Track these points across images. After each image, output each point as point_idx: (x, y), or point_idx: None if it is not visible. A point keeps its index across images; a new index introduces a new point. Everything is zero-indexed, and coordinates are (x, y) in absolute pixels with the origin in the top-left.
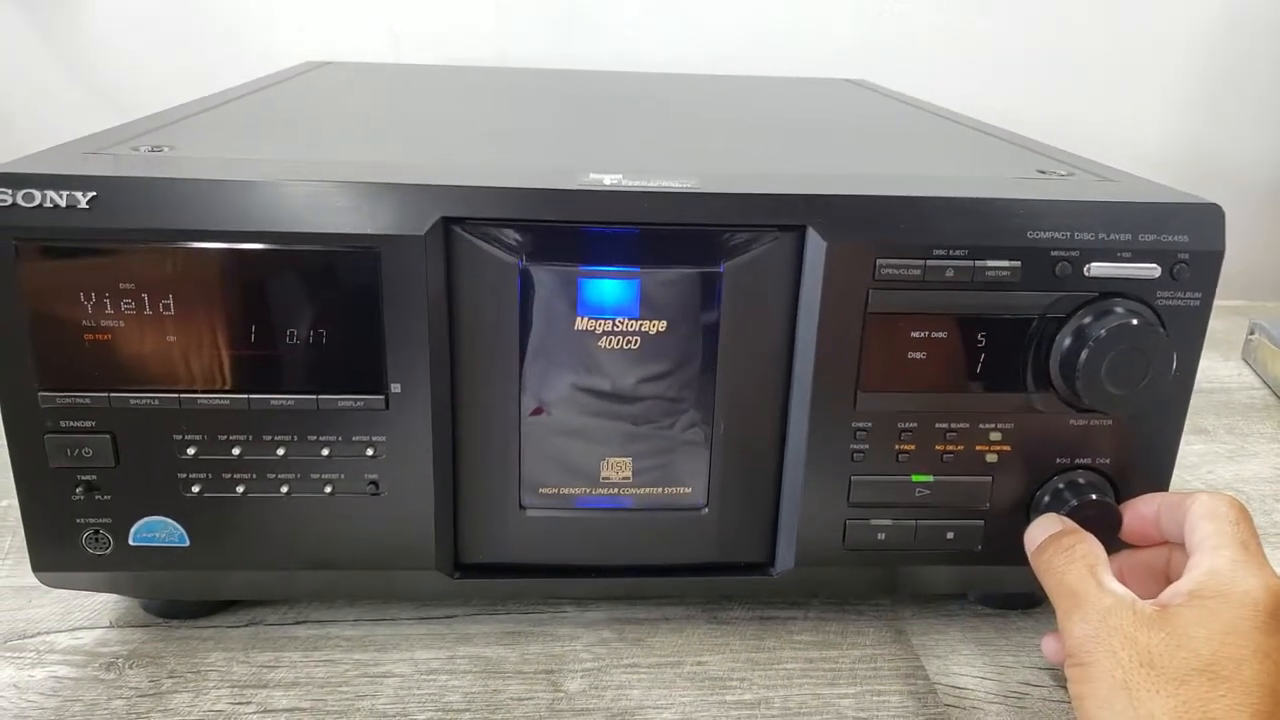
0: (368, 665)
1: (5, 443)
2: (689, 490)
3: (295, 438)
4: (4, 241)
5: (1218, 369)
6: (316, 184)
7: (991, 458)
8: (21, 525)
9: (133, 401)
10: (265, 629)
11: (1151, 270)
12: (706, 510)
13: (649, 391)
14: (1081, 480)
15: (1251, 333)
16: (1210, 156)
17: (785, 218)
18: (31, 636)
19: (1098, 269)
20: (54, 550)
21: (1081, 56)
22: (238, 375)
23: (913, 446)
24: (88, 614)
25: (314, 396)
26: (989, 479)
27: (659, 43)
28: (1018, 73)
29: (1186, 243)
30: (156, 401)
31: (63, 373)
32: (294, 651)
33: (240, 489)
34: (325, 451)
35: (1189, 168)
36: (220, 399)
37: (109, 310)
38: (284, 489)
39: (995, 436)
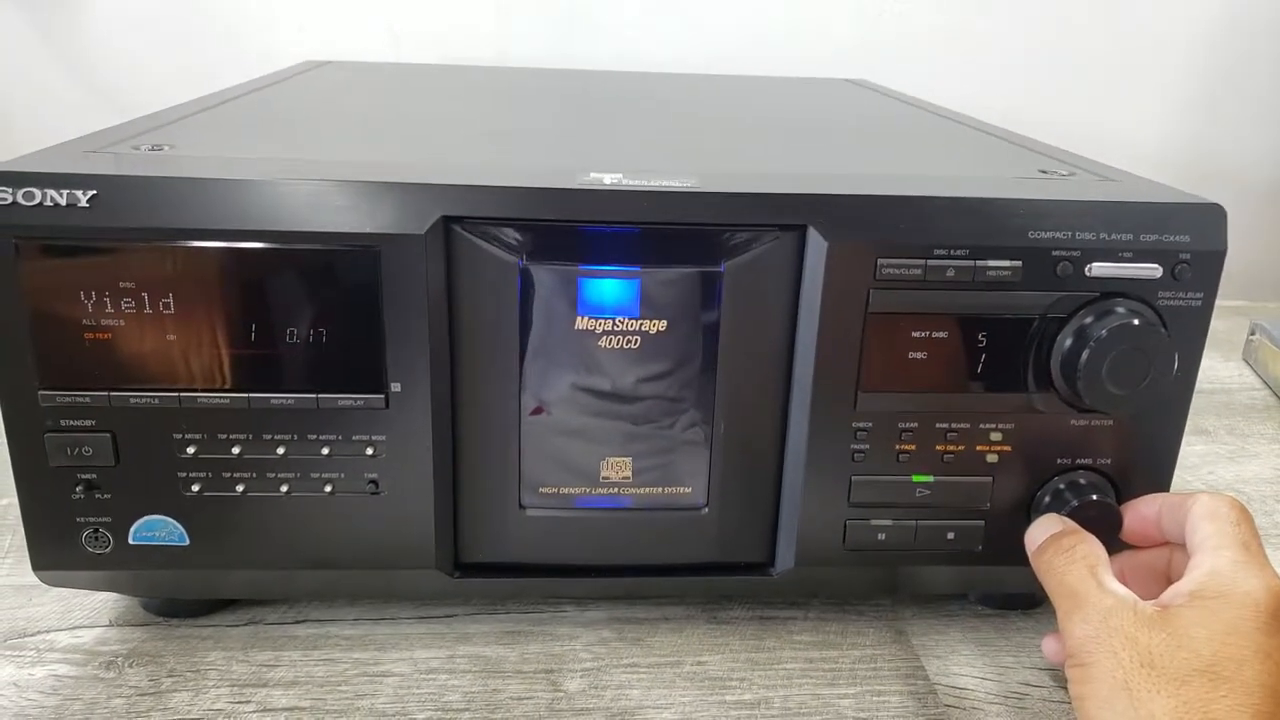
0: (367, 664)
1: (5, 441)
2: (689, 490)
3: (295, 437)
4: (4, 240)
5: (1218, 369)
6: (316, 183)
7: (992, 458)
8: (21, 524)
9: (133, 400)
10: (265, 628)
11: (1153, 270)
12: (706, 510)
13: (649, 391)
14: (1082, 481)
15: (1252, 333)
16: (1210, 156)
17: (786, 217)
18: (31, 635)
19: (1099, 269)
20: (54, 549)
21: (1081, 56)
22: (238, 374)
23: (913, 446)
24: (87, 613)
25: (314, 395)
26: (989, 479)
27: (659, 43)
28: (1018, 73)
29: (1188, 243)
30: (156, 400)
31: (63, 371)
32: (294, 650)
33: (240, 488)
34: (325, 451)
35: (1189, 168)
36: (220, 398)
37: (109, 309)
38: (284, 488)
39: (996, 437)
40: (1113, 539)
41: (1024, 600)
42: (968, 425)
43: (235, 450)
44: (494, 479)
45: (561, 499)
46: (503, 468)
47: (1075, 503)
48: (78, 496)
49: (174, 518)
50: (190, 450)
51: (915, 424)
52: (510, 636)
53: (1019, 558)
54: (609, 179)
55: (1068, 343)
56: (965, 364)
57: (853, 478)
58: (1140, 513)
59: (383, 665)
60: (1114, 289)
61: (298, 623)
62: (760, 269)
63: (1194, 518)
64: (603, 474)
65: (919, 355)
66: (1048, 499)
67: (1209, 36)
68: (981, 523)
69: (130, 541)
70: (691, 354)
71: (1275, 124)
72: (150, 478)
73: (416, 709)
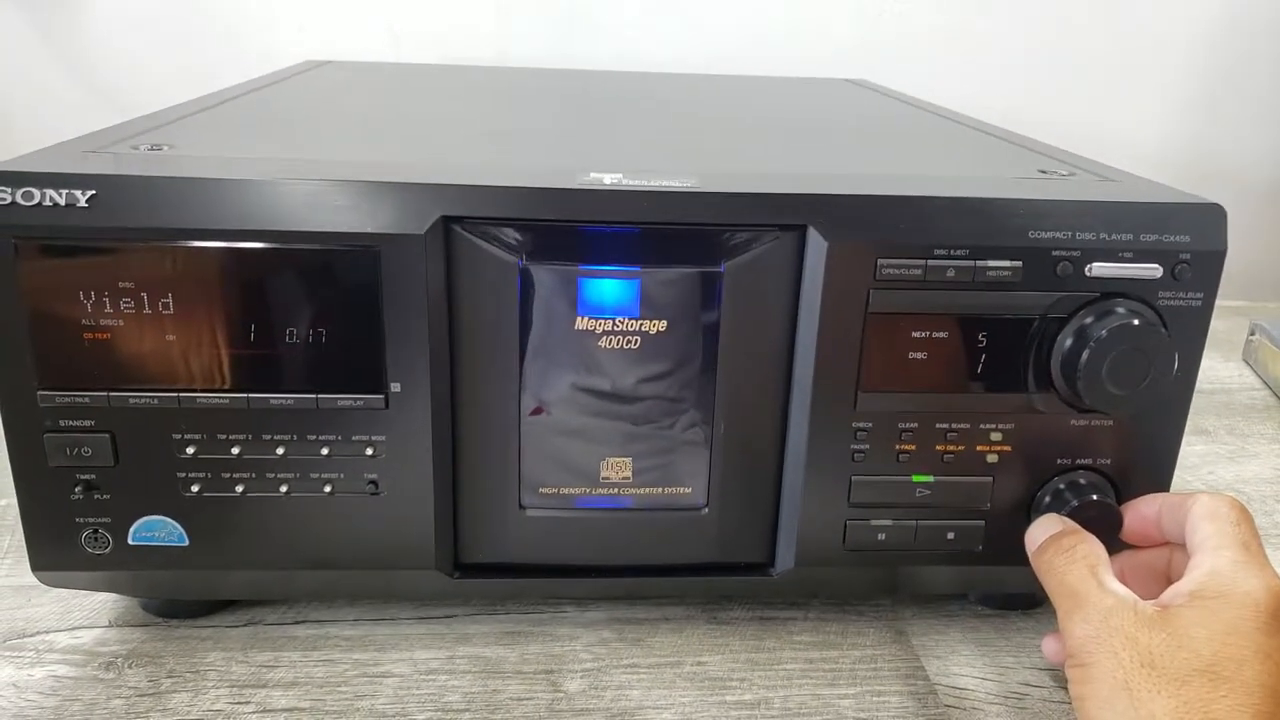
0: (367, 665)
1: (4, 442)
2: (689, 490)
3: (295, 437)
4: (3, 240)
5: (1218, 370)
6: (316, 183)
7: (992, 458)
8: (20, 524)
9: (132, 400)
10: (264, 629)
11: (1153, 270)
12: (706, 510)
13: (649, 391)
14: (1082, 481)
15: (1252, 333)
16: (1210, 156)
17: (786, 217)
18: (30, 636)
19: (1099, 269)
20: (53, 549)
21: (1081, 56)
22: (237, 374)
23: (913, 447)
24: (87, 613)
25: (313, 396)
26: (990, 479)
27: (659, 43)
28: (1018, 73)
29: (1188, 243)
30: (156, 401)
31: (62, 372)
32: (293, 651)
33: (240, 488)
34: (325, 451)
35: (1189, 168)
36: (220, 398)
37: (108, 309)
38: (283, 488)
39: (996, 437)
40: (1113, 539)
41: (1024, 600)
42: (968, 425)
43: (235, 450)
44: (494, 479)
45: (561, 499)
46: (503, 468)
47: (1075, 503)
48: (77, 497)
49: (173, 518)
50: (190, 450)
51: (915, 424)
52: (510, 637)
53: (1019, 558)
54: (609, 179)
55: (1068, 343)
56: (965, 364)
57: (853, 478)
58: (1140, 513)
59: (382, 666)
60: (1114, 289)
61: (297, 623)
62: (760, 269)
63: (1194, 518)
64: (603, 474)
65: (919, 355)
66: (1048, 499)
67: (1209, 36)
68: (981, 523)
69: (129, 542)
70: (691, 354)
71: (1275, 124)
72: (149, 478)
73: (416, 709)
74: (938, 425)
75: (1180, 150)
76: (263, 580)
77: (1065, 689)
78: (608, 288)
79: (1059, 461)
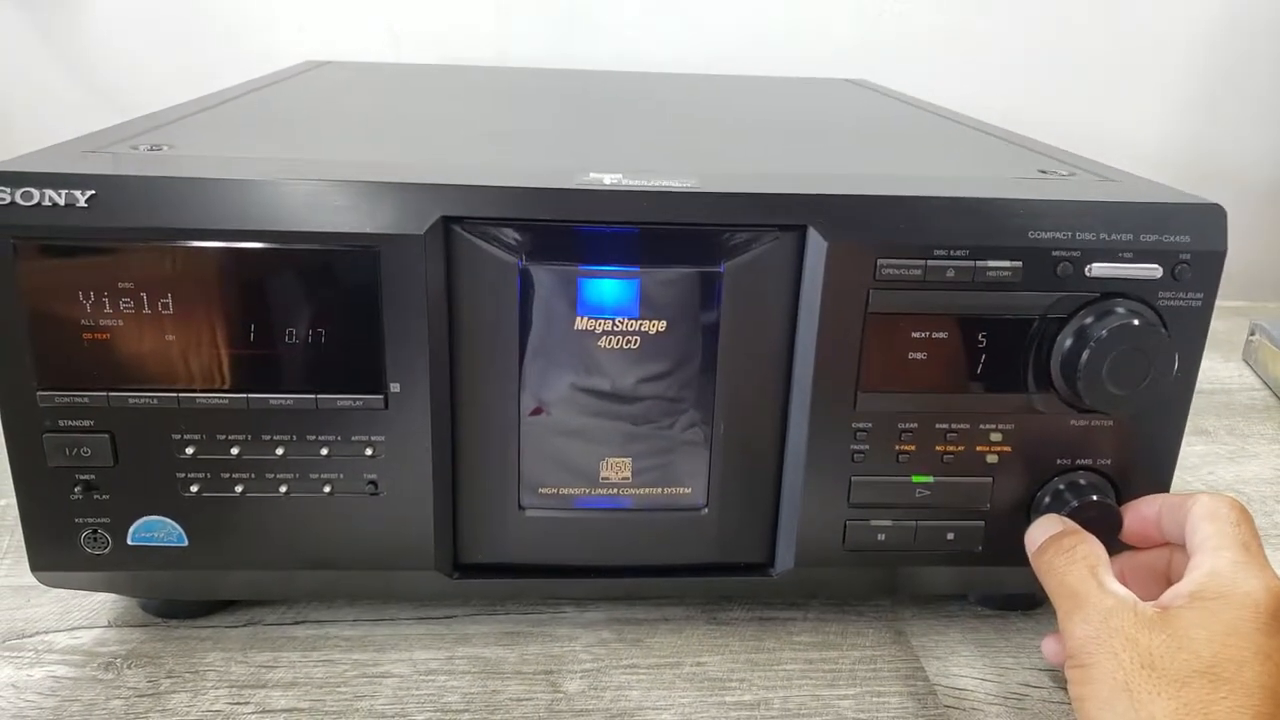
0: (366, 665)
1: (3, 442)
2: (689, 490)
3: (294, 437)
4: (2, 240)
5: (1218, 370)
6: (316, 183)
7: (992, 458)
8: (20, 524)
9: (131, 401)
10: (264, 629)
11: (1153, 270)
12: (706, 510)
13: (649, 391)
14: (1082, 481)
15: (1252, 333)
16: (1210, 156)
17: (786, 217)
18: (30, 636)
19: (1099, 269)
20: (52, 550)
21: (1081, 57)
22: (237, 375)
23: (913, 447)
24: (86, 613)
25: (313, 396)
26: (989, 480)
27: (659, 43)
28: (1018, 73)
29: (1188, 243)
30: (155, 401)
31: (61, 372)
32: (292, 652)
33: (239, 489)
34: (324, 451)
35: (1189, 168)
36: (219, 398)
37: (108, 309)
38: (283, 489)
39: (996, 437)
40: (1113, 540)
41: (1024, 601)
42: (967, 426)
43: (234, 451)
44: (493, 479)
45: (561, 499)
46: (502, 468)
47: (1075, 503)
48: (76, 497)
49: (173, 518)
50: (189, 451)
51: (915, 424)
52: (509, 637)
53: (1019, 558)
54: (609, 179)
55: (1068, 343)
56: (965, 364)
57: (852, 478)
58: (1140, 513)
59: (382, 666)
60: (1114, 289)
61: (297, 624)
62: (760, 269)
63: (1194, 518)
64: (602, 474)
65: (919, 355)
66: (1048, 499)
67: (1209, 36)
68: (981, 523)
69: (129, 542)
70: (691, 354)
71: (1275, 124)
72: (149, 478)
73: (416, 710)
74: (937, 425)
75: (1180, 150)
76: (262, 580)
77: (1065, 690)
78: (607, 288)
79: (1059, 462)
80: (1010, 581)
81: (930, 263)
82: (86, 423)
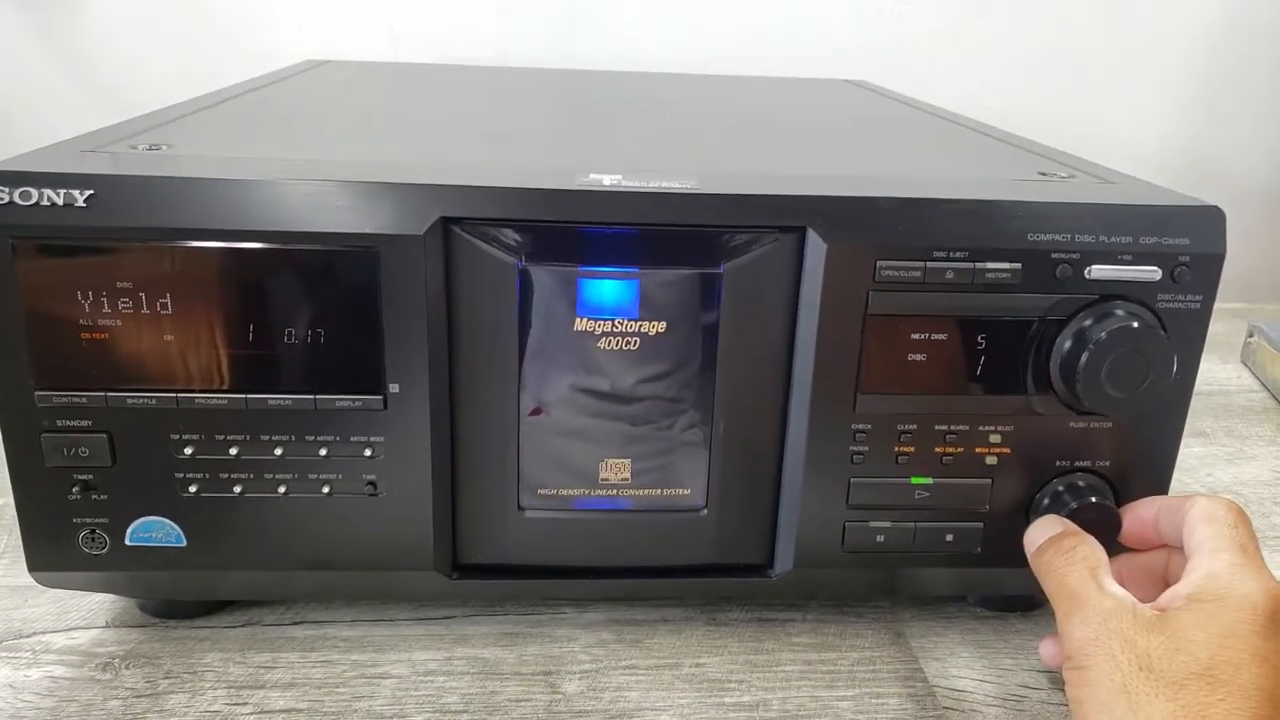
0: (365, 666)
1: (1, 442)
2: (688, 491)
3: (293, 438)
4: (1, 240)
5: (1216, 371)
6: (315, 183)
7: (991, 460)
8: (17, 524)
9: (130, 401)
10: (262, 629)
11: (1152, 273)
12: (705, 512)
13: (648, 392)
14: (1081, 483)
15: (1250, 335)
16: (1210, 158)
17: (785, 219)
18: (27, 636)
19: (1098, 271)
20: (50, 550)
21: (1081, 57)
22: (235, 375)
23: (912, 449)
24: (84, 614)
25: (312, 396)
26: (988, 481)
27: (659, 43)
28: (1018, 73)
29: (1187, 245)
30: (154, 401)
31: (59, 372)
32: (291, 652)
33: (238, 489)
34: (323, 452)
35: (1189, 169)
36: (218, 399)
37: (106, 309)
38: (282, 489)
39: (995, 439)
40: (1111, 541)
41: (1023, 602)
42: (967, 427)
43: (233, 451)
44: (493, 480)
45: (560, 500)
46: (501, 469)
47: (1074, 505)
48: (74, 497)
49: (171, 519)
50: (188, 451)
51: (914, 426)
52: (508, 638)
53: (1018, 560)
54: (608, 180)
55: (1067, 345)
56: (964, 366)
57: (851, 479)
58: (1138, 515)
59: (381, 667)
60: (1113, 291)
61: (295, 624)
62: (759, 271)
63: (1191, 520)
64: (601, 475)
65: (918, 357)
66: (1046, 501)
67: (1209, 37)
68: (980, 525)
69: (127, 542)
70: (691, 355)
71: (1275, 125)
72: (147, 478)
73: (414, 711)
74: (937, 427)
75: (1180, 151)
76: (261, 581)
77: (1063, 691)
78: (607, 289)
79: (1058, 463)
80: (1009, 583)
81: (930, 264)
82: (85, 423)
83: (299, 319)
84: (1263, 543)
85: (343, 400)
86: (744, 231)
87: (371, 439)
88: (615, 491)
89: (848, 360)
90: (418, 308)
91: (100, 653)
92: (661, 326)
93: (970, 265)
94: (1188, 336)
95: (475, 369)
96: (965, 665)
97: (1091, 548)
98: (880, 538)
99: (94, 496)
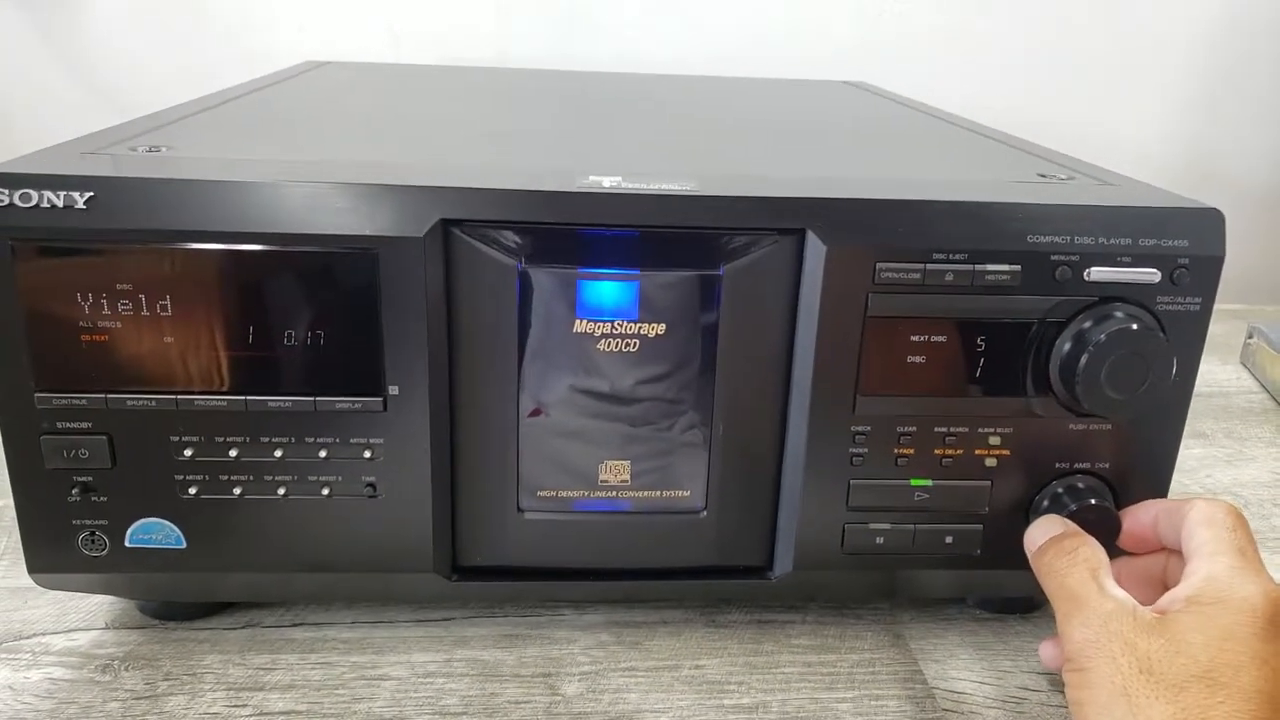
0: (365, 668)
1: (1, 444)
2: (687, 493)
3: (293, 439)
4: (1, 241)
5: (1216, 373)
6: (315, 185)
7: (990, 462)
8: (17, 526)
9: (129, 403)
10: (262, 631)
11: (1151, 275)
12: (705, 513)
13: (648, 394)
14: (1080, 485)
15: (1250, 336)
16: (1210, 158)
17: (785, 221)
18: (27, 638)
19: (1098, 273)
20: (50, 551)
21: (1081, 57)
22: (235, 376)
23: (912, 450)
24: (83, 615)
25: (311, 398)
26: (988, 483)
27: (659, 43)
28: (1018, 73)
29: (1186, 247)
30: (153, 403)
31: (59, 373)
32: (290, 654)
33: (237, 491)
34: (323, 453)
35: (1189, 169)
36: (217, 400)
37: (106, 311)
38: (281, 491)
39: (994, 441)
40: (1110, 544)
41: (1022, 604)
42: (966, 429)
43: (232, 453)
44: (492, 482)
45: (560, 502)
46: (501, 471)
47: (1073, 507)
48: (74, 499)
49: (171, 520)
50: (187, 453)
51: (914, 428)
52: (508, 640)
53: (1017, 561)
54: (608, 182)
55: (1066, 347)
56: (964, 368)
57: (851, 481)
58: (1137, 518)
59: (380, 669)
60: (1112, 293)
61: (295, 626)
62: (759, 272)
63: (1190, 523)
64: (601, 477)
65: (917, 359)
66: (1046, 503)
67: (1209, 37)
68: (980, 527)
69: (126, 544)
70: (690, 357)
71: (1275, 125)
72: (147, 480)
73: (414, 712)
74: (936, 429)
75: (1180, 151)
76: (260, 583)
77: (1063, 693)
78: (607, 290)
79: (1057, 465)
80: (1009, 585)
81: (929, 266)
82: (84, 424)
83: (299, 321)
84: (1262, 545)
85: (342, 402)
86: (743, 233)
87: (371, 441)
88: (615, 493)
89: (847, 362)
90: (417, 309)
91: (100, 654)
92: (661, 328)
93: (969, 267)
94: (1187, 338)
95: (475, 371)
96: (965, 667)
97: (1093, 549)
98: (880, 539)
99: (94, 498)
